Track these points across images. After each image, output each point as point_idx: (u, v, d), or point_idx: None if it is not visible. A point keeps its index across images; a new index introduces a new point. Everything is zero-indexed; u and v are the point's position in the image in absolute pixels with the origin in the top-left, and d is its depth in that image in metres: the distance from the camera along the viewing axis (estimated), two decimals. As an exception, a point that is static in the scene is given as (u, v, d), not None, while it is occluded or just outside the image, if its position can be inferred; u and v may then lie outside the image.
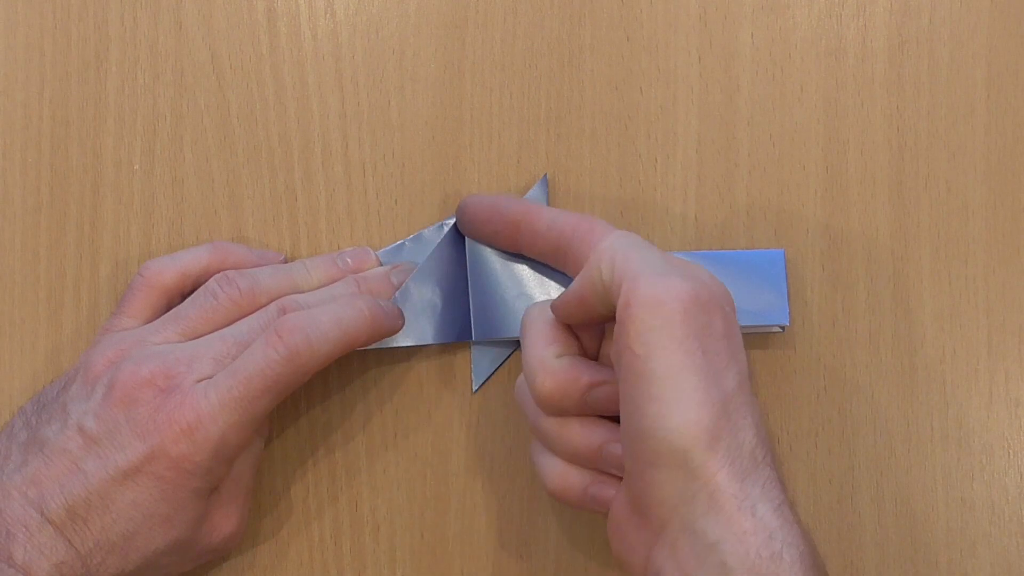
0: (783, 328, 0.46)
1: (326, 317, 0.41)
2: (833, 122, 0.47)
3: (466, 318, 0.46)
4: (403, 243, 0.47)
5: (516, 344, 0.46)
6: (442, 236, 0.47)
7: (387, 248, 0.47)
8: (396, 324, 0.44)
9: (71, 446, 0.40)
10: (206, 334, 0.42)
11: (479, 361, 0.46)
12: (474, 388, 0.46)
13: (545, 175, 0.47)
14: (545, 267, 0.46)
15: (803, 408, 0.46)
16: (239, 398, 0.40)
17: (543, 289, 0.46)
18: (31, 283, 0.47)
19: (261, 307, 0.43)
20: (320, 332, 0.41)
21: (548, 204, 0.47)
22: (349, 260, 0.46)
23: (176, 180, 0.48)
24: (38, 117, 0.48)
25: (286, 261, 0.46)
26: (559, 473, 0.41)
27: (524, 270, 0.46)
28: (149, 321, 0.44)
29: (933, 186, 0.47)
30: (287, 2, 0.48)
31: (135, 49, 0.48)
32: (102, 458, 0.40)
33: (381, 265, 0.46)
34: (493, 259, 0.46)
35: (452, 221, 0.47)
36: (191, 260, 0.45)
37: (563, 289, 0.45)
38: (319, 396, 0.47)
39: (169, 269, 0.44)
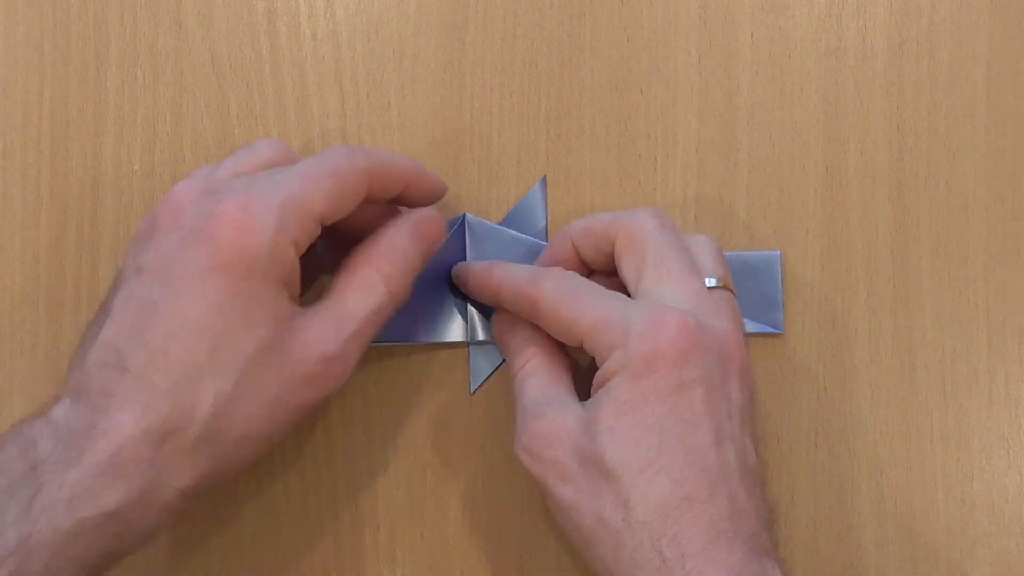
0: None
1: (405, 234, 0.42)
2: (833, 122, 0.47)
3: (465, 319, 0.46)
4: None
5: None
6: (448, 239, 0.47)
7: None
8: (439, 185, 0.44)
9: (136, 292, 0.38)
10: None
11: (477, 362, 0.46)
12: (472, 389, 0.46)
13: (543, 178, 0.47)
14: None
15: (803, 408, 0.46)
16: (289, 181, 0.38)
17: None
18: (31, 283, 0.47)
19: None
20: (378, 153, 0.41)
21: (546, 206, 0.47)
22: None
23: (176, 180, 0.47)
24: (38, 117, 0.48)
25: None
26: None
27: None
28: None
29: (933, 186, 0.47)
30: (287, 2, 0.48)
31: (135, 49, 0.48)
32: (164, 281, 0.38)
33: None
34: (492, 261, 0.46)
35: (452, 223, 0.47)
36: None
37: None
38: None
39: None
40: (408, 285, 0.41)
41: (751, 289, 0.46)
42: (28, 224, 0.48)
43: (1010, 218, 0.46)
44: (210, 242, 0.37)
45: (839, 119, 0.47)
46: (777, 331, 0.46)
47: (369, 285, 0.40)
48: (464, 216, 0.47)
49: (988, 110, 0.47)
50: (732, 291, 0.42)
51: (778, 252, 0.46)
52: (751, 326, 0.45)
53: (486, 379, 0.47)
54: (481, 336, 0.46)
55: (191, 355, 0.37)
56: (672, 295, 0.39)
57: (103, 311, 0.40)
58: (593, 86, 0.47)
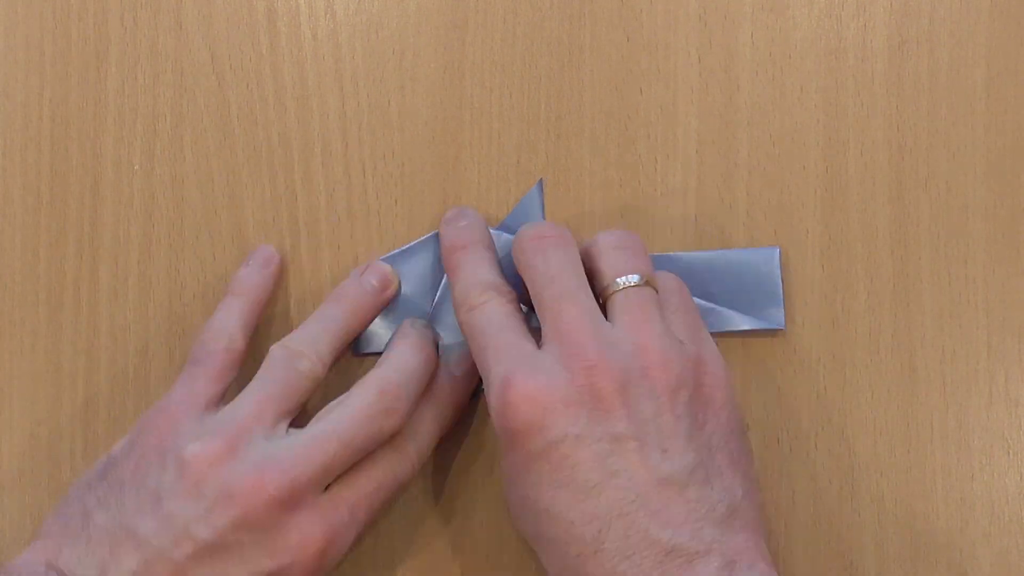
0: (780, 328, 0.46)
1: (428, 416, 0.43)
2: (833, 122, 0.47)
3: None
4: (401, 250, 0.47)
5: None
6: (437, 245, 0.46)
7: (385, 256, 0.47)
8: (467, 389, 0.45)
9: (178, 554, 0.38)
10: (294, 411, 0.42)
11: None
12: (473, 396, 0.46)
13: (540, 181, 0.47)
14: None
15: (803, 408, 0.46)
16: (367, 508, 0.40)
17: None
18: (31, 283, 0.47)
19: (328, 367, 0.43)
20: (426, 432, 0.43)
21: (544, 208, 0.47)
22: (374, 282, 0.45)
23: (176, 180, 0.48)
24: (38, 117, 0.48)
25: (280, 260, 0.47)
26: None
27: (520, 278, 0.46)
28: (224, 388, 0.42)
29: (933, 186, 0.47)
30: (287, 2, 0.48)
31: (135, 49, 0.48)
32: (218, 570, 0.38)
33: (393, 272, 0.46)
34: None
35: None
36: (245, 313, 0.44)
37: None
38: (320, 398, 0.47)
39: (239, 331, 0.43)
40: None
41: (751, 286, 0.45)
42: (28, 224, 0.48)
43: (1010, 218, 0.46)
44: (285, 564, 0.39)
45: (839, 119, 0.47)
46: (779, 327, 0.45)
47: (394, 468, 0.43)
48: (464, 216, 0.47)
49: (988, 110, 0.47)
50: (652, 284, 0.40)
51: (777, 248, 0.46)
52: (752, 324, 0.45)
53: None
54: None
55: None
56: (547, 337, 0.39)
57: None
58: (593, 86, 0.47)
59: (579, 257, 0.41)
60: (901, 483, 0.46)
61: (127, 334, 0.47)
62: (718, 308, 0.45)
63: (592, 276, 0.41)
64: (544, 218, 0.47)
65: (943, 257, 0.46)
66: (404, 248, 0.47)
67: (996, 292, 0.46)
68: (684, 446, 0.38)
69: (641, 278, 0.40)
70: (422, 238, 0.47)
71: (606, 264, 0.41)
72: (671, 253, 0.46)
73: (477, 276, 0.42)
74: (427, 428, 0.43)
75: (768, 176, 0.47)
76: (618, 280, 0.40)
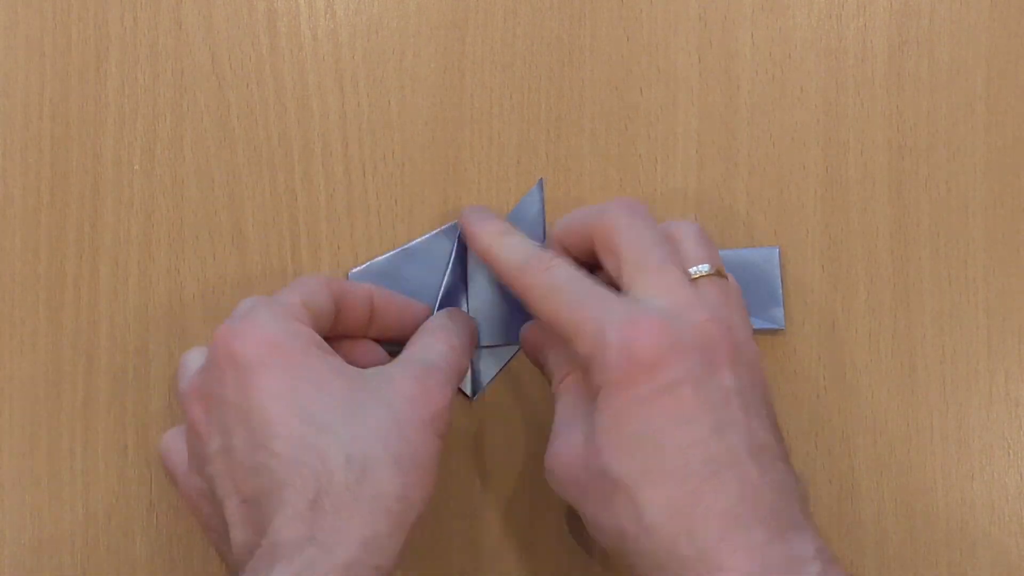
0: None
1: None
2: (833, 122, 0.47)
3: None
4: (398, 252, 0.47)
5: (513, 350, 0.46)
6: (441, 244, 0.46)
7: (382, 257, 0.47)
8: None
9: (221, 469, 0.40)
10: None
11: (478, 367, 0.46)
12: (472, 394, 0.46)
13: (540, 181, 0.47)
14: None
15: (803, 408, 0.46)
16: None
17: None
18: (31, 283, 0.47)
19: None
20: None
21: (543, 208, 0.47)
22: None
23: (176, 180, 0.48)
24: (38, 117, 0.48)
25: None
26: None
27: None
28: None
29: (933, 186, 0.47)
30: (287, 2, 0.48)
31: (135, 49, 0.48)
32: (231, 424, 0.39)
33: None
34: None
35: (450, 228, 0.47)
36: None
37: None
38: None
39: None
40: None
41: (751, 286, 0.45)
42: (28, 224, 0.48)
43: (1010, 218, 0.46)
44: (235, 360, 0.39)
45: (839, 119, 0.47)
46: (779, 327, 0.45)
47: (444, 333, 0.43)
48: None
49: (988, 110, 0.47)
50: (723, 275, 0.41)
51: (777, 248, 0.46)
52: (752, 323, 0.45)
53: (487, 384, 0.47)
54: (482, 341, 0.46)
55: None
56: (649, 292, 0.39)
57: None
58: (593, 86, 0.47)
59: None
60: (901, 483, 0.46)
61: (127, 334, 0.47)
62: (718, 308, 0.45)
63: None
64: (544, 218, 0.47)
65: (943, 257, 0.46)
66: (404, 247, 0.47)
67: (996, 292, 0.46)
68: (769, 423, 0.39)
69: (718, 271, 0.41)
70: (423, 237, 0.47)
71: (685, 250, 0.41)
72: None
73: (530, 244, 0.42)
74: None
75: (768, 176, 0.47)
76: (701, 267, 0.41)
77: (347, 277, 0.47)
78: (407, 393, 0.39)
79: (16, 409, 0.47)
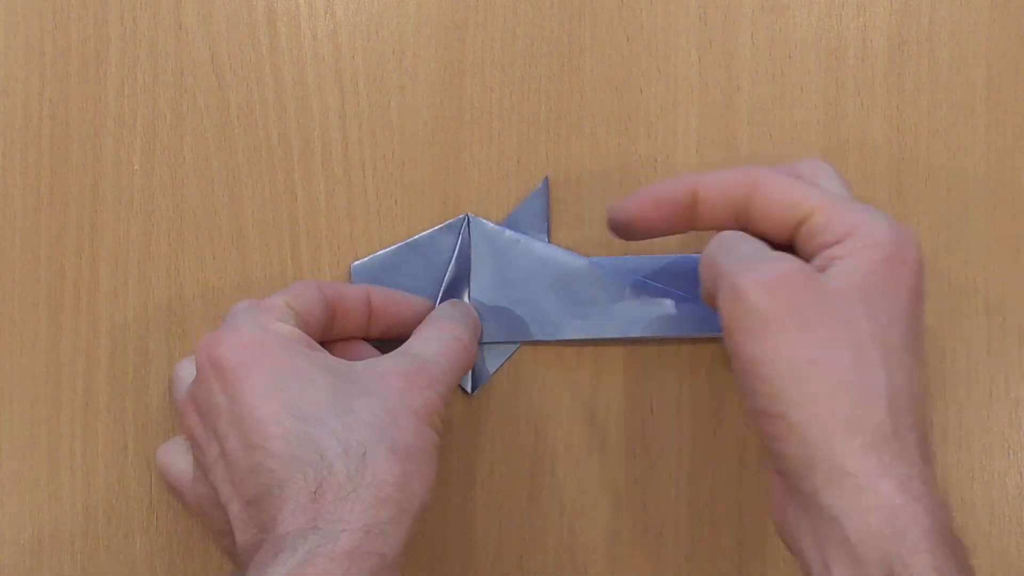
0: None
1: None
2: (833, 122, 0.47)
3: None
4: (401, 246, 0.47)
5: (513, 348, 0.46)
6: (442, 240, 0.47)
7: (386, 251, 0.47)
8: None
9: (221, 474, 0.40)
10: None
11: (478, 363, 0.46)
12: (471, 391, 0.46)
13: (546, 179, 0.47)
14: (543, 272, 0.46)
15: (803, 408, 0.46)
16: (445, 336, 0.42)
17: (542, 294, 0.46)
18: (31, 283, 0.47)
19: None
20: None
21: (548, 207, 0.47)
22: None
23: (176, 180, 0.48)
24: (38, 117, 0.48)
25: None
26: None
27: (523, 275, 0.46)
28: None
29: (933, 186, 0.47)
30: (287, 2, 0.48)
31: (135, 49, 0.48)
32: (225, 428, 0.39)
33: None
34: (493, 264, 0.46)
35: (454, 224, 0.47)
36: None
37: (560, 293, 0.46)
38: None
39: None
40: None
41: None
42: (28, 224, 0.48)
43: (1010, 218, 0.46)
44: (222, 367, 0.40)
45: (839, 119, 0.47)
46: None
47: (443, 336, 0.43)
48: (466, 217, 0.47)
49: (988, 110, 0.47)
50: None
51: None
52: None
53: (486, 380, 0.47)
54: (484, 338, 0.46)
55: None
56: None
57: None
58: (593, 86, 0.47)
59: None
60: (901, 483, 0.46)
61: (127, 334, 0.47)
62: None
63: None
64: (548, 217, 0.47)
65: (943, 257, 0.46)
66: (407, 241, 0.47)
67: (996, 292, 0.46)
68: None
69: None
70: (427, 231, 0.47)
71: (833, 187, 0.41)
72: (671, 255, 0.46)
73: None
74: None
75: (768, 176, 0.47)
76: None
77: (349, 271, 0.47)
78: (396, 385, 0.40)
79: (16, 409, 0.47)
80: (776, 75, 0.47)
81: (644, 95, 0.47)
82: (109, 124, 0.48)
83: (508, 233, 0.46)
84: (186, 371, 0.43)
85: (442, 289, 0.46)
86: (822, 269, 0.38)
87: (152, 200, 0.48)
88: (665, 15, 0.47)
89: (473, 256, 0.46)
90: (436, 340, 0.42)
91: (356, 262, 0.47)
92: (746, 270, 0.37)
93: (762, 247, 0.39)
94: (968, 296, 0.46)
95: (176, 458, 0.43)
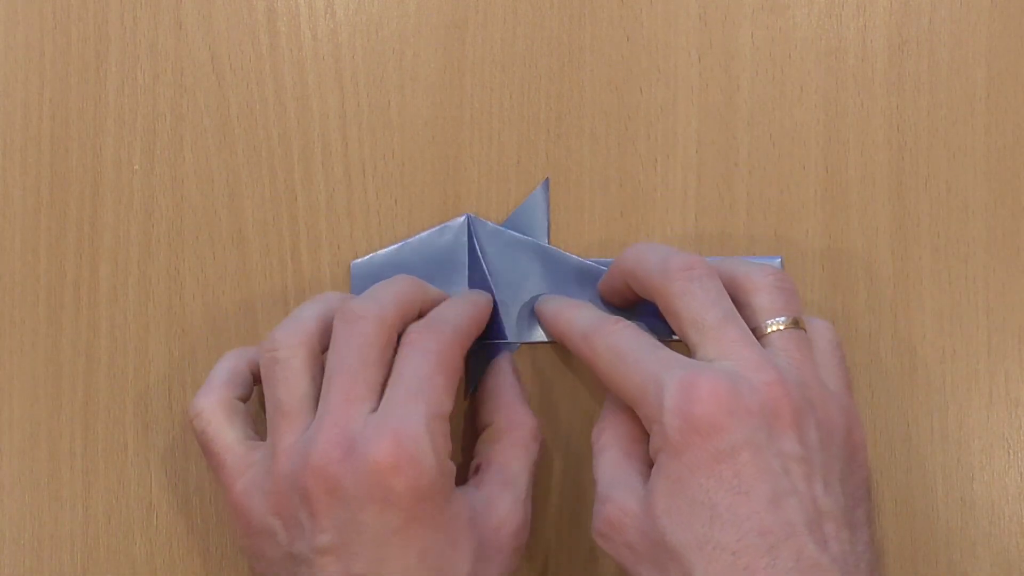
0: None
1: (379, 290, 0.42)
2: (833, 122, 0.47)
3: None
4: (402, 245, 0.47)
5: (513, 347, 0.46)
6: (442, 240, 0.47)
7: (386, 250, 0.47)
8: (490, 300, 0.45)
9: (333, 571, 0.38)
10: (311, 391, 0.40)
11: (475, 364, 0.46)
12: (470, 391, 0.46)
13: (547, 180, 0.47)
14: (543, 273, 0.46)
15: (803, 408, 0.46)
16: (415, 399, 0.39)
17: (540, 294, 0.46)
18: (31, 283, 0.47)
19: (318, 334, 0.41)
20: (380, 297, 0.41)
21: (548, 208, 0.47)
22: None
23: (176, 180, 0.48)
24: (38, 117, 0.48)
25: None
26: None
27: (522, 276, 0.46)
28: (247, 437, 0.42)
29: (933, 186, 0.47)
30: (287, 2, 0.48)
31: (135, 49, 0.48)
32: (364, 555, 0.38)
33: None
34: (492, 265, 0.46)
35: (452, 224, 0.47)
36: (225, 370, 0.43)
37: (560, 294, 0.46)
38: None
39: (213, 390, 0.43)
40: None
41: None
42: (28, 224, 0.48)
43: (1010, 218, 0.46)
44: (390, 501, 0.37)
45: (839, 119, 0.47)
46: None
47: (525, 445, 0.43)
48: (467, 217, 0.47)
49: (988, 110, 0.47)
50: (800, 326, 0.40)
51: (779, 257, 0.46)
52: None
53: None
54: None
55: None
56: (711, 355, 0.39)
57: None
58: (593, 86, 0.47)
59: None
60: (901, 483, 0.46)
61: (127, 334, 0.47)
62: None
63: (742, 310, 0.41)
64: (548, 218, 0.47)
65: (943, 257, 0.46)
66: (407, 241, 0.47)
67: (996, 292, 0.46)
68: (838, 488, 0.38)
69: (795, 322, 0.40)
70: (427, 231, 0.47)
71: (763, 301, 0.41)
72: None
73: (598, 312, 0.43)
74: (451, 311, 0.43)
75: (768, 176, 0.47)
76: (777, 319, 0.40)
77: (349, 270, 0.47)
78: (510, 547, 0.41)
79: (16, 409, 0.47)
80: (776, 75, 0.47)
81: (644, 95, 0.47)
82: (109, 124, 0.48)
83: (508, 234, 0.46)
84: (228, 366, 0.43)
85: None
86: (653, 460, 0.39)
87: (152, 200, 0.48)
88: (665, 15, 0.47)
89: (471, 258, 0.46)
90: (522, 454, 0.43)
91: (356, 260, 0.47)
92: (595, 515, 0.40)
93: (617, 462, 0.40)
94: (968, 296, 0.46)
95: (230, 422, 0.42)
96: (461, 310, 0.43)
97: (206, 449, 0.42)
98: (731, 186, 0.47)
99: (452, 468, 0.39)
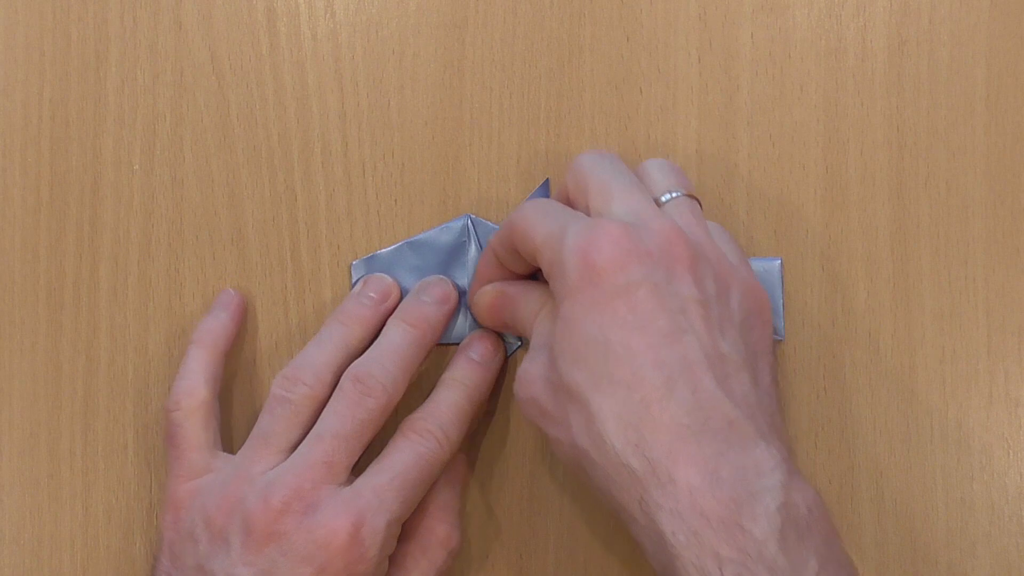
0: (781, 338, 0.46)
1: (444, 397, 0.43)
2: (833, 122, 0.47)
3: (465, 319, 0.46)
4: (402, 245, 0.47)
5: (513, 346, 0.46)
6: (443, 240, 0.47)
7: (386, 250, 0.47)
8: (445, 313, 0.45)
9: None
10: (300, 439, 0.42)
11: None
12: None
13: (547, 180, 0.47)
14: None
15: (803, 408, 0.46)
16: (395, 490, 0.40)
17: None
18: (31, 283, 0.47)
19: (331, 385, 0.43)
20: (446, 413, 0.43)
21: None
22: (372, 294, 0.45)
23: (176, 180, 0.48)
24: (38, 117, 0.48)
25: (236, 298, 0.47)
26: None
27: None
28: (215, 444, 0.44)
29: (933, 186, 0.47)
30: (287, 2, 0.48)
31: (135, 49, 0.48)
32: None
33: (393, 282, 0.46)
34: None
35: (452, 224, 0.47)
36: (208, 368, 0.45)
37: None
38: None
39: (200, 388, 0.44)
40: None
41: None
42: (28, 224, 0.48)
43: (1010, 218, 0.46)
44: (320, 569, 0.39)
45: (839, 119, 0.47)
46: (778, 339, 0.45)
47: (432, 554, 0.43)
48: (468, 217, 0.47)
49: (988, 110, 0.47)
50: (694, 197, 0.41)
51: (778, 259, 0.46)
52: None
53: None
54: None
55: None
56: (615, 212, 0.39)
57: None
58: (593, 86, 0.47)
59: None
60: (901, 483, 0.46)
61: (127, 334, 0.47)
62: (718, 308, 0.46)
63: None
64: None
65: (943, 257, 0.46)
66: (408, 240, 0.47)
67: (996, 292, 0.46)
68: (737, 337, 0.38)
69: (687, 193, 0.42)
70: (427, 232, 0.47)
71: (654, 180, 0.42)
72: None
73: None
74: (445, 409, 0.43)
75: (768, 176, 0.47)
76: (668, 193, 0.41)
77: (349, 271, 0.47)
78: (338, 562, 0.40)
79: (16, 409, 0.47)
80: (776, 75, 0.47)
81: (644, 95, 0.47)
82: (109, 124, 0.48)
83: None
84: (191, 379, 0.45)
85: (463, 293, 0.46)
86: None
87: (152, 200, 0.48)
88: (665, 15, 0.47)
89: (471, 258, 0.46)
90: (422, 559, 0.43)
91: (355, 261, 0.47)
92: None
93: (542, 333, 0.41)
94: (968, 296, 0.46)
95: (205, 418, 0.44)
96: (457, 409, 0.43)
97: (173, 440, 0.43)
98: (731, 186, 0.47)
99: (386, 569, 0.41)
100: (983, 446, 0.46)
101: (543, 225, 0.40)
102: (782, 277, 0.46)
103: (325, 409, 0.42)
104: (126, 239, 0.47)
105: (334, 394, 0.42)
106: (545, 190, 0.47)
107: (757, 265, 0.46)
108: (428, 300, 0.45)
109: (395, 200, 0.47)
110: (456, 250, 0.46)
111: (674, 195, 0.41)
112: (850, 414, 0.46)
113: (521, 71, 0.47)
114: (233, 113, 0.48)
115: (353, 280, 0.47)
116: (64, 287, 0.47)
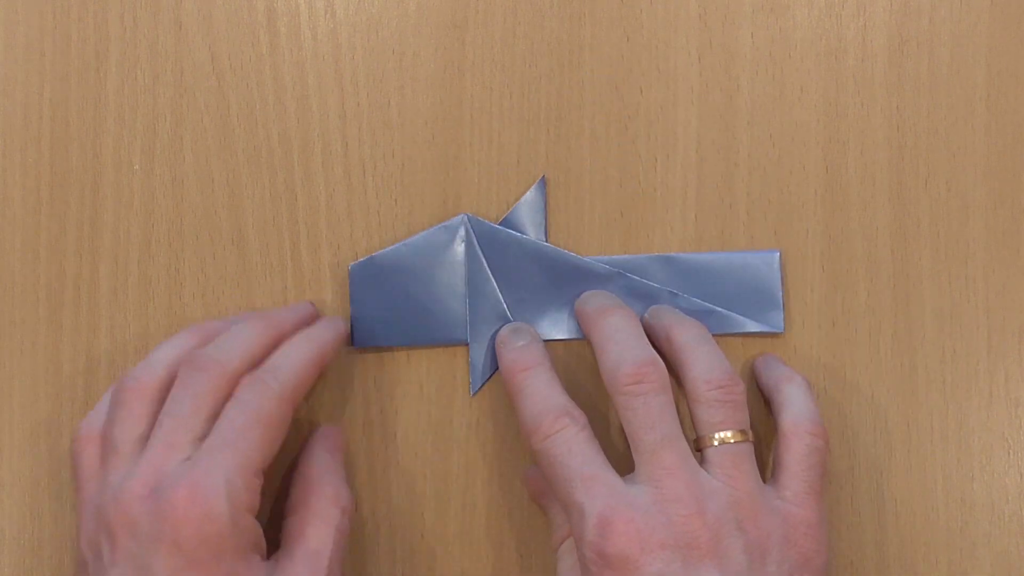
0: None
1: (225, 338, 0.43)
2: (833, 122, 0.47)
3: (465, 319, 0.46)
4: (399, 246, 0.47)
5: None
6: (441, 239, 0.47)
7: (385, 250, 0.47)
8: (339, 332, 0.45)
9: None
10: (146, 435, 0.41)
11: (476, 364, 0.46)
12: (472, 391, 0.46)
13: (543, 177, 0.47)
14: (541, 271, 0.46)
15: (803, 408, 0.46)
16: (222, 451, 0.39)
17: (539, 294, 0.46)
18: (31, 283, 0.47)
19: (241, 372, 0.42)
20: (226, 346, 0.42)
21: (545, 206, 0.47)
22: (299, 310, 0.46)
23: (176, 180, 0.48)
24: (38, 117, 0.48)
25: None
26: None
27: (521, 274, 0.46)
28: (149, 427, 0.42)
29: (933, 186, 0.47)
30: (287, 2, 0.48)
31: (135, 49, 0.48)
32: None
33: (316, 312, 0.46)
34: (492, 263, 0.46)
35: (452, 224, 0.47)
36: (171, 353, 0.43)
37: (558, 293, 0.46)
38: (319, 397, 0.47)
39: (154, 371, 0.43)
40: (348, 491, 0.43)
41: (751, 289, 0.46)
42: (28, 224, 0.48)
43: (1010, 218, 0.46)
44: (178, 545, 0.38)
45: (839, 119, 0.47)
46: (777, 331, 0.46)
47: (325, 514, 0.42)
48: (464, 216, 0.47)
49: (988, 110, 0.47)
50: (747, 438, 0.40)
51: (777, 251, 0.46)
52: (751, 326, 0.45)
53: (486, 380, 0.47)
54: (478, 339, 0.46)
55: None
56: (641, 478, 0.39)
57: None
58: (593, 86, 0.47)
59: (673, 401, 0.41)
60: (901, 483, 0.46)
61: (127, 334, 0.47)
62: (717, 310, 0.46)
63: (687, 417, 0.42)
64: (546, 216, 0.47)
65: (943, 257, 0.46)
66: (406, 241, 0.47)
67: (996, 292, 0.46)
68: None
69: (740, 434, 0.41)
70: (426, 231, 0.47)
71: (706, 414, 0.41)
72: (671, 254, 0.46)
73: (548, 401, 0.42)
74: (282, 359, 0.42)
75: (768, 176, 0.47)
76: (717, 434, 0.40)
77: (348, 271, 0.47)
78: None
79: (16, 409, 0.47)
80: (776, 75, 0.47)
81: (644, 95, 0.47)
82: (109, 124, 0.48)
83: (507, 232, 0.46)
84: (162, 356, 0.43)
85: (467, 296, 0.46)
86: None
87: (152, 200, 0.48)
88: (665, 15, 0.47)
89: (469, 258, 0.46)
90: (320, 525, 0.42)
91: (354, 263, 0.47)
92: None
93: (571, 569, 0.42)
94: (968, 296, 0.46)
95: (95, 449, 0.43)
96: (297, 356, 0.43)
97: (76, 472, 0.43)
98: (731, 186, 0.47)
99: (252, 525, 0.40)
100: (983, 446, 0.46)
101: (567, 491, 0.40)
102: (781, 269, 0.46)
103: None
104: (126, 239, 0.47)
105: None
106: (542, 189, 0.47)
107: (755, 257, 0.46)
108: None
109: (395, 200, 0.47)
110: (454, 250, 0.46)
111: (720, 438, 0.40)
112: (850, 414, 0.46)
113: (521, 71, 0.47)
114: (233, 113, 0.48)
115: (351, 283, 0.47)
116: (64, 287, 0.47)
